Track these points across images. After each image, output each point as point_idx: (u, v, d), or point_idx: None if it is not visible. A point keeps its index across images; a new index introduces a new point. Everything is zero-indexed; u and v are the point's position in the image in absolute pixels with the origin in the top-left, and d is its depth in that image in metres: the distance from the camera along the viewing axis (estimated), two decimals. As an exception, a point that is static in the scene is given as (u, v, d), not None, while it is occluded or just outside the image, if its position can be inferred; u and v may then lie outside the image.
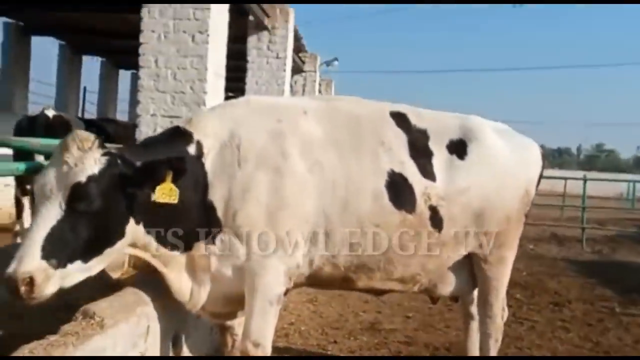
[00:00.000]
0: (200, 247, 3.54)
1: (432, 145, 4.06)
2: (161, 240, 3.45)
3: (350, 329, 6.23)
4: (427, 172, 3.96)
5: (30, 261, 2.90)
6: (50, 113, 8.49)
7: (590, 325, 7.07)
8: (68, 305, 4.72)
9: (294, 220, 3.61)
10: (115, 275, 5.91)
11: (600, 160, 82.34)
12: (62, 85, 18.18)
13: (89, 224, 3.09)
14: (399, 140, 3.97)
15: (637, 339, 6.58)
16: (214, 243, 3.54)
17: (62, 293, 5.03)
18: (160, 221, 3.41)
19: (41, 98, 21.00)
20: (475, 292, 4.42)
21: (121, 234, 3.28)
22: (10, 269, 2.88)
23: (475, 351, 4.74)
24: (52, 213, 3.01)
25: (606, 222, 19.28)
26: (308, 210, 3.66)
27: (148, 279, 4.24)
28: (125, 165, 3.24)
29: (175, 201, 3.33)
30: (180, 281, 3.60)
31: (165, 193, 3.31)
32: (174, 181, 3.29)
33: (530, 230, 16.13)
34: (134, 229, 3.32)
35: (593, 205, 17.59)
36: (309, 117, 3.88)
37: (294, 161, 3.66)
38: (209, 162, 3.55)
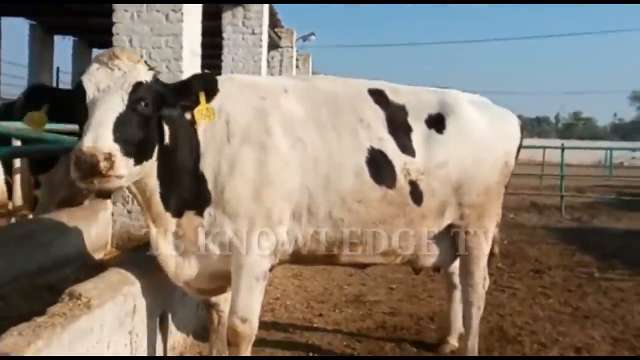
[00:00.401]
0: (189, 216, 3.56)
1: (411, 120, 4.10)
2: (163, 190, 3.48)
3: (335, 302, 6.31)
4: (406, 147, 4.00)
5: (107, 139, 2.91)
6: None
7: (570, 291, 7.21)
8: (51, 286, 4.78)
9: (278, 197, 3.64)
10: (98, 255, 5.94)
11: (578, 128, 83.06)
12: (34, 66, 17.84)
13: (142, 126, 3.14)
14: (377, 117, 4.00)
15: (616, 302, 6.73)
16: (202, 216, 3.56)
17: (45, 274, 5.09)
18: (165, 173, 3.45)
19: (13, 79, 20.68)
20: (457, 262, 4.49)
21: (152, 152, 3.31)
22: (88, 143, 2.86)
23: (458, 319, 4.84)
24: (115, 105, 3.04)
25: (585, 190, 19.57)
26: (291, 187, 3.69)
27: (132, 259, 4.27)
28: (162, 85, 3.31)
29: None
30: (166, 248, 3.62)
31: (204, 113, 3.39)
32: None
33: (510, 199, 16.32)
34: (153, 162, 3.36)
35: (572, 174, 17.82)
36: (289, 96, 3.90)
37: (277, 138, 3.69)
38: (201, 132, 3.57)
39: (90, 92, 3.08)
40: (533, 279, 7.82)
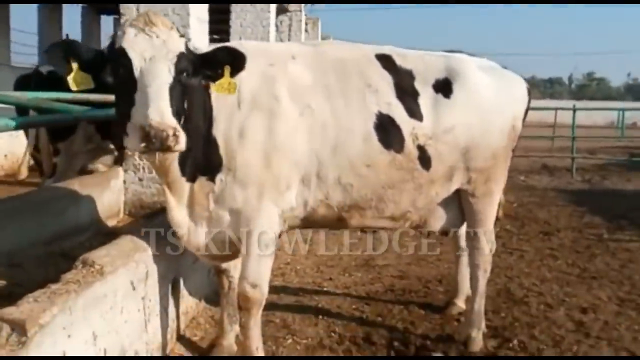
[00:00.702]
0: (201, 182, 3.60)
1: (418, 85, 4.10)
2: (181, 156, 3.47)
3: (345, 266, 6.40)
4: (414, 112, 4.00)
5: (171, 114, 2.98)
6: (44, 69, 8.41)
7: (578, 252, 7.27)
8: (65, 253, 4.88)
9: (287, 163, 3.68)
10: (111, 223, 6.04)
11: (591, 89, 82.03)
12: (43, 34, 17.85)
13: (183, 96, 3.20)
14: (385, 81, 4.00)
15: (623, 263, 6.78)
16: (214, 182, 3.60)
17: (59, 241, 5.19)
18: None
19: (24, 48, 20.68)
20: (464, 226, 4.53)
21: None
22: (157, 118, 2.91)
23: (465, 282, 4.91)
24: (166, 76, 3.07)
25: (597, 151, 19.48)
26: (300, 153, 3.73)
27: (144, 226, 4.34)
28: (192, 53, 3.31)
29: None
30: (181, 214, 3.67)
31: (225, 87, 3.42)
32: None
33: (521, 161, 16.31)
34: None
35: (583, 135, 17.70)
36: (297, 62, 3.91)
37: (286, 104, 3.71)
38: (214, 98, 3.59)
39: (137, 62, 3.08)
40: (542, 240, 7.87)
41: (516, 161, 16.24)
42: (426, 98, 4.07)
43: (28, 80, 8.31)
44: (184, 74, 3.19)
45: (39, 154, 8.51)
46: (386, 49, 4.21)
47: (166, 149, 2.96)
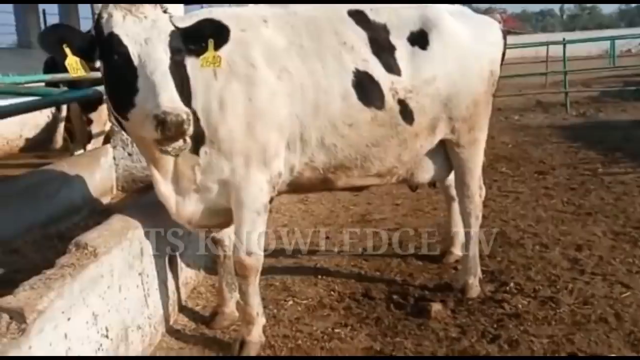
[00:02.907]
0: (185, 155, 3.54)
1: (393, 39, 4.06)
2: None
3: (342, 224, 6.45)
4: (392, 67, 3.98)
5: (179, 99, 2.98)
6: None
7: (573, 189, 7.32)
8: (61, 235, 4.94)
9: (270, 129, 3.67)
10: (105, 200, 6.08)
11: (583, 18, 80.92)
12: (20, 12, 17.60)
13: (180, 76, 3.17)
14: (359, 38, 3.96)
15: (618, 196, 6.83)
16: (198, 154, 3.59)
17: (55, 223, 5.24)
18: None
19: (2, 27, 20.40)
20: (452, 175, 4.56)
21: None
22: (169, 104, 2.90)
23: (459, 229, 4.95)
24: (165, 59, 3.06)
25: (591, 83, 19.39)
26: (282, 118, 3.71)
27: (135, 203, 4.38)
28: (177, 28, 3.26)
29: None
30: (167, 188, 3.69)
31: (209, 61, 3.38)
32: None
33: (516, 100, 16.32)
34: None
35: (576, 68, 17.57)
36: (269, 25, 3.86)
37: (262, 70, 3.67)
38: (189, 68, 3.49)
39: (133, 47, 3.04)
40: (537, 180, 7.92)
41: (510, 99, 16.35)
42: (403, 51, 4.04)
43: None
44: (178, 54, 3.16)
45: (71, 125, 9.18)
46: (358, 5, 4.15)
47: (182, 134, 2.95)
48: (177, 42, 3.17)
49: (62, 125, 10.42)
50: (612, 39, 24.19)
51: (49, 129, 12.33)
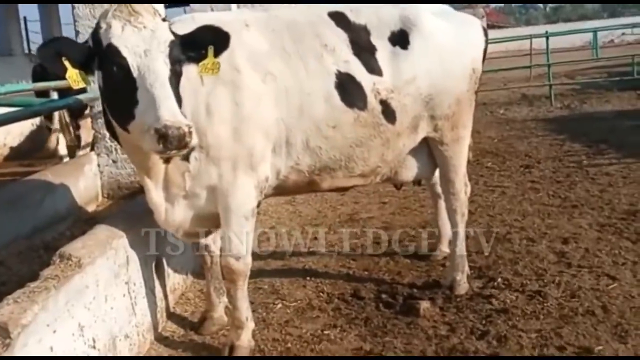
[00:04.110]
0: (176, 162, 3.56)
1: (374, 39, 4.06)
2: None
3: (330, 224, 6.44)
4: (373, 67, 3.98)
5: (180, 111, 2.99)
6: None
7: (558, 182, 7.36)
8: (47, 246, 4.90)
9: (257, 133, 3.67)
10: (90, 208, 6.05)
11: (565, 10, 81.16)
12: (1, 20, 17.40)
13: (178, 85, 3.17)
14: (340, 40, 3.97)
15: (603, 188, 6.88)
16: (188, 161, 3.58)
17: (40, 234, 5.19)
18: None
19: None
20: (437, 173, 4.57)
21: None
22: (170, 117, 2.91)
23: (446, 226, 4.97)
24: (165, 71, 3.05)
25: (574, 75, 19.48)
26: (268, 121, 3.71)
27: (120, 211, 4.35)
28: (176, 36, 3.24)
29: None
30: (158, 196, 3.67)
31: (209, 67, 3.37)
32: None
33: (501, 94, 16.38)
34: None
35: (559, 60, 17.65)
36: (252, 29, 3.86)
37: (247, 74, 3.67)
38: None
39: (132, 59, 3.03)
40: (523, 174, 7.95)
41: (495, 94, 16.41)
42: (384, 52, 4.05)
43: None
44: (177, 64, 3.16)
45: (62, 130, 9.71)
46: (338, 7, 4.15)
47: (183, 146, 2.95)
48: (177, 52, 3.16)
49: (59, 134, 10.79)
50: (595, 30, 24.31)
51: (34, 137, 12.56)
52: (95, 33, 3.18)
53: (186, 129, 2.91)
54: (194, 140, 3.04)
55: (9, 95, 5.33)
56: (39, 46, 3.34)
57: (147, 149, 3.09)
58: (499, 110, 14.45)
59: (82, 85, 3.27)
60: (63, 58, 3.18)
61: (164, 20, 3.23)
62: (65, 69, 3.19)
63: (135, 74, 3.03)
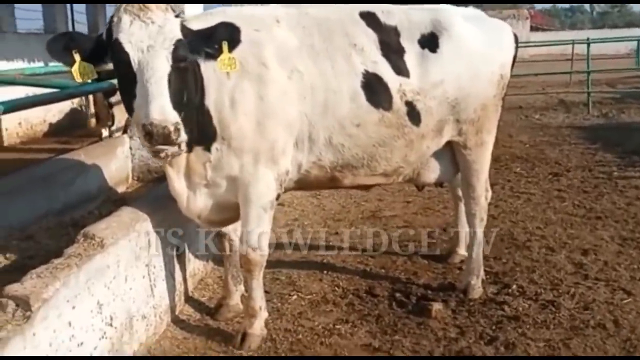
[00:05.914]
0: (198, 152, 3.68)
1: (404, 41, 4.10)
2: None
3: (352, 220, 6.50)
4: (401, 69, 4.03)
5: (171, 110, 3.09)
6: None
7: (585, 192, 7.28)
8: (75, 223, 5.06)
9: (280, 128, 3.75)
10: (120, 189, 6.21)
11: (613, 15, 79.43)
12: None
13: (183, 82, 3.29)
14: (370, 40, 4.02)
15: (630, 201, 6.79)
16: (209, 151, 3.69)
17: (69, 211, 5.36)
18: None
19: (27, 13, 20.51)
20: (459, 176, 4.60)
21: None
22: (157, 116, 3.02)
23: (465, 230, 4.98)
24: (164, 68, 3.15)
25: (615, 83, 19.08)
26: (292, 117, 3.79)
27: (147, 195, 4.48)
28: (190, 33, 3.35)
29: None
30: (180, 184, 3.79)
31: (226, 63, 3.46)
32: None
33: (538, 98, 16.19)
34: None
35: (601, 67, 17.31)
36: (282, 26, 3.93)
37: (274, 69, 3.75)
38: (203, 67, 3.61)
39: (134, 54, 3.13)
40: (550, 182, 7.88)
41: (533, 98, 16.20)
42: (412, 54, 4.09)
43: None
44: (183, 63, 3.25)
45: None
46: (370, 7, 4.20)
47: (170, 143, 3.07)
48: (183, 50, 3.24)
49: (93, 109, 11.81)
50: (638, 39, 23.63)
51: (73, 115, 13.00)
52: (109, 25, 3.29)
53: (172, 128, 3.03)
54: (182, 137, 3.15)
55: (49, 75, 5.50)
56: (50, 39, 3.41)
57: (141, 142, 3.21)
58: (535, 115, 14.27)
59: (87, 79, 3.40)
60: (73, 51, 3.30)
61: (177, 16, 3.31)
62: (73, 62, 3.30)
63: (135, 68, 3.13)
